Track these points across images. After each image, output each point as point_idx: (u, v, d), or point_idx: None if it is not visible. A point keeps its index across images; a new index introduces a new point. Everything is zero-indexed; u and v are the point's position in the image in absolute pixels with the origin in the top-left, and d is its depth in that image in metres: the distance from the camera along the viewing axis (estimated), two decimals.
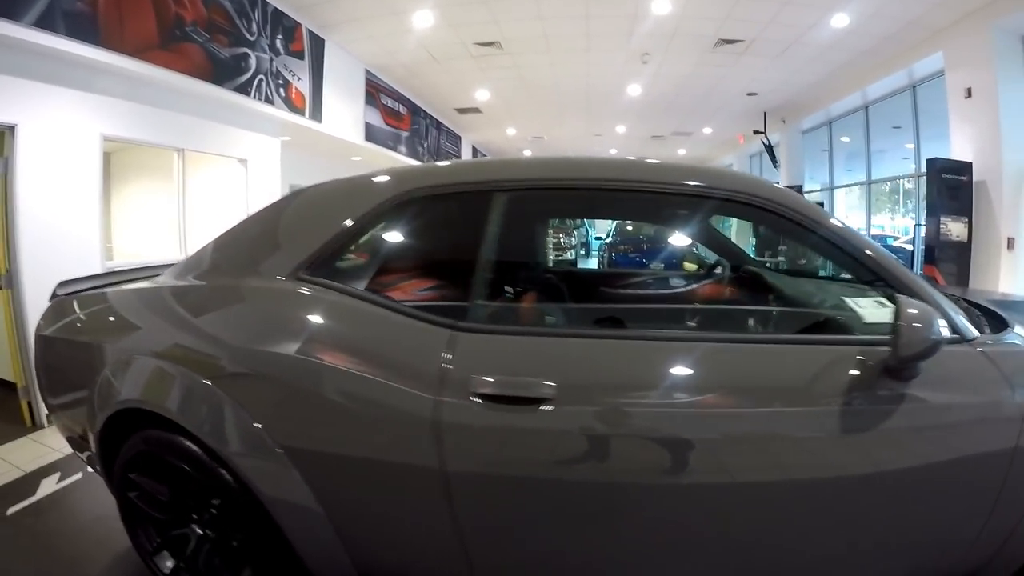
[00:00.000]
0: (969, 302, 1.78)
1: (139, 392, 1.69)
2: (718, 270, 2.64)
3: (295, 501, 1.49)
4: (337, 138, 7.61)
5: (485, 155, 18.21)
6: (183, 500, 1.70)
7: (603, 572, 1.50)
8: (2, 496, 2.88)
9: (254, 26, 5.66)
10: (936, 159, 6.71)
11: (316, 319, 1.59)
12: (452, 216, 1.87)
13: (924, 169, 7.68)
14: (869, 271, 1.46)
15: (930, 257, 6.79)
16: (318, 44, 6.98)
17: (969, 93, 6.64)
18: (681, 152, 18.33)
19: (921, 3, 6.40)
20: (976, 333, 1.40)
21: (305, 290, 1.61)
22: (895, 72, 8.30)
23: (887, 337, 1.25)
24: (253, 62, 5.66)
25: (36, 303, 3.73)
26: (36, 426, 3.83)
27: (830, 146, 11.84)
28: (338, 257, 1.71)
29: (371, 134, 8.57)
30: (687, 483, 1.33)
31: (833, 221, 1.51)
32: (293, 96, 6.44)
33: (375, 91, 8.71)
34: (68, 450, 3.37)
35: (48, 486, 3.00)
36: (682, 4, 6.77)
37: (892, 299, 1.32)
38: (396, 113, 9.56)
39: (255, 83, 5.70)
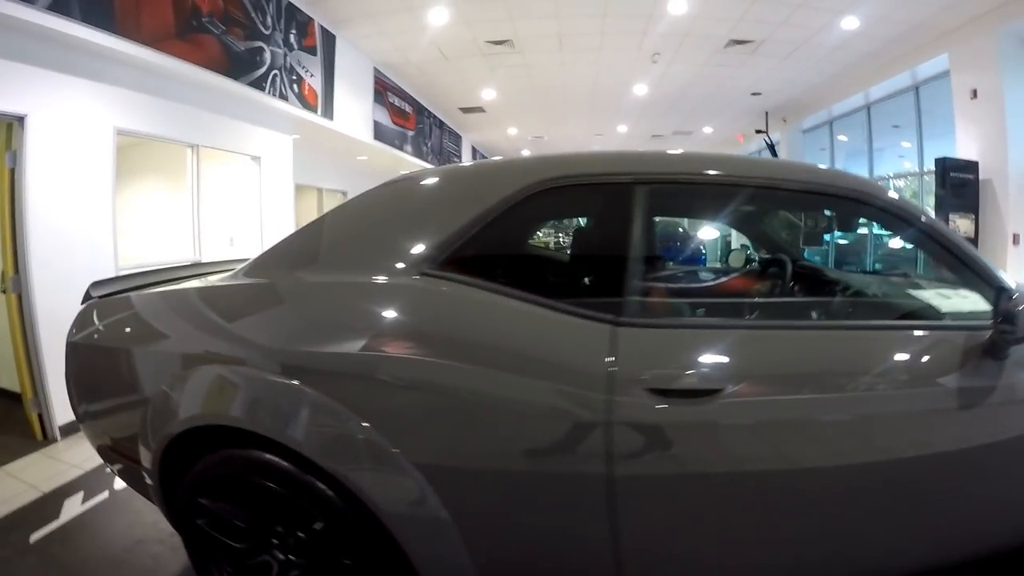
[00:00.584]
0: None
1: (222, 407, 1.50)
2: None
3: (424, 516, 1.35)
4: (348, 136, 7.44)
5: (485, 156, 18.04)
6: (267, 525, 1.50)
7: (758, 559, 1.44)
8: (22, 521, 2.58)
9: (268, 19, 5.47)
10: (945, 158, 6.83)
11: (456, 317, 1.44)
12: (592, 207, 1.82)
13: (927, 167, 8.07)
14: (963, 264, 1.54)
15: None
16: (329, 40, 6.82)
17: (975, 94, 6.79)
18: (678, 151, 18.22)
19: (929, 6, 6.47)
20: None
21: (438, 286, 1.46)
22: (899, 73, 8.40)
23: (987, 322, 1.40)
24: (268, 56, 5.47)
25: (47, 308, 3.50)
26: (48, 440, 3.58)
27: (831, 145, 11.91)
28: (470, 248, 1.53)
29: (379, 133, 8.41)
30: (847, 464, 1.37)
31: (934, 219, 1.61)
32: (306, 93, 6.26)
33: (383, 89, 8.57)
34: (88, 466, 3.16)
35: (72, 508, 2.72)
36: (699, 4, 6.76)
37: (998, 289, 1.40)
38: (403, 112, 9.38)
39: (270, 78, 5.53)
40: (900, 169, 10.95)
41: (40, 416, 3.59)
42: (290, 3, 5.83)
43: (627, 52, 8.35)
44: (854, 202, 1.61)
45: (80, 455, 3.34)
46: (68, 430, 3.63)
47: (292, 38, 5.89)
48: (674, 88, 10.27)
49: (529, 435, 1.34)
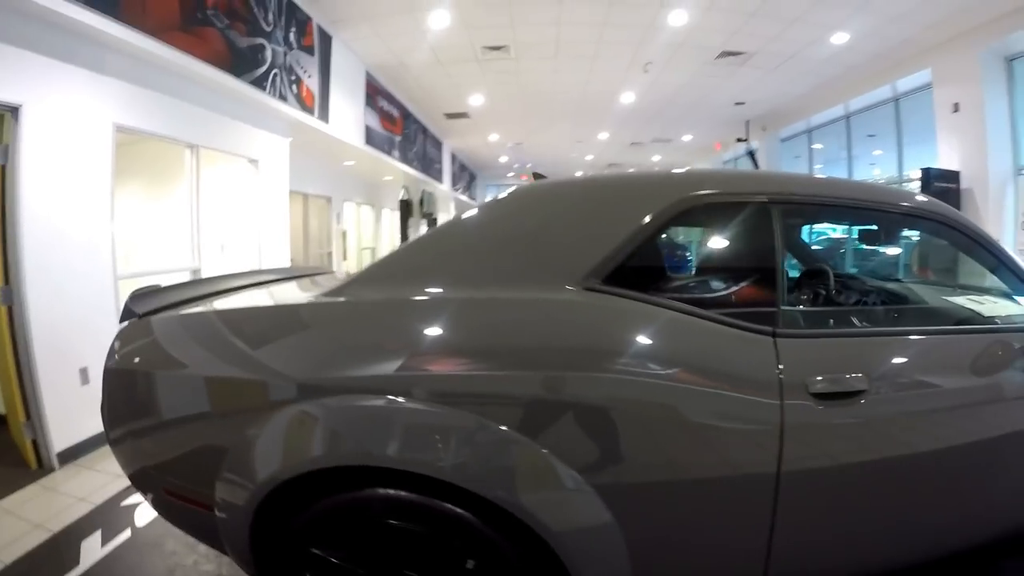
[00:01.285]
0: None
1: (368, 444, 1.33)
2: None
3: (595, 534, 1.31)
4: (341, 140, 7.12)
5: (464, 162, 17.83)
6: (396, 570, 1.37)
7: (889, 548, 1.55)
8: (37, 569, 2.27)
9: (270, 16, 5.23)
10: (929, 169, 7.16)
11: (632, 332, 1.41)
12: (733, 223, 1.77)
13: (906, 174, 8.70)
14: (1016, 276, 1.80)
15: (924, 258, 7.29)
16: (326, 41, 6.59)
17: (956, 108, 7.14)
18: (656, 159, 18.59)
19: (915, 24, 6.75)
20: None
21: (608, 301, 1.43)
22: (881, 86, 8.74)
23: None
24: (269, 55, 5.20)
25: (43, 321, 3.13)
26: (45, 469, 3.21)
27: (809, 153, 12.27)
28: (631, 263, 1.50)
29: (370, 137, 8.18)
30: (958, 445, 1.54)
31: (997, 240, 1.83)
32: (304, 94, 6.00)
33: (374, 93, 8.36)
34: (97, 499, 2.83)
35: (92, 550, 2.37)
36: (698, 16, 6.83)
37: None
38: (391, 117, 9.14)
39: (270, 77, 5.27)
40: (869, 176, 11.29)
41: (35, 442, 3.21)
42: (291, 1, 5.56)
43: (620, 61, 8.39)
44: (939, 223, 1.78)
45: (84, 486, 3.01)
46: (67, 456, 3.29)
47: (292, 36, 5.64)
48: (661, 96, 10.38)
49: (708, 443, 1.35)
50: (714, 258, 1.98)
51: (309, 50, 6.13)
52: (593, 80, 9.32)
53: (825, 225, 9.44)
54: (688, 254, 10.02)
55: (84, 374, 3.48)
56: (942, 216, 1.76)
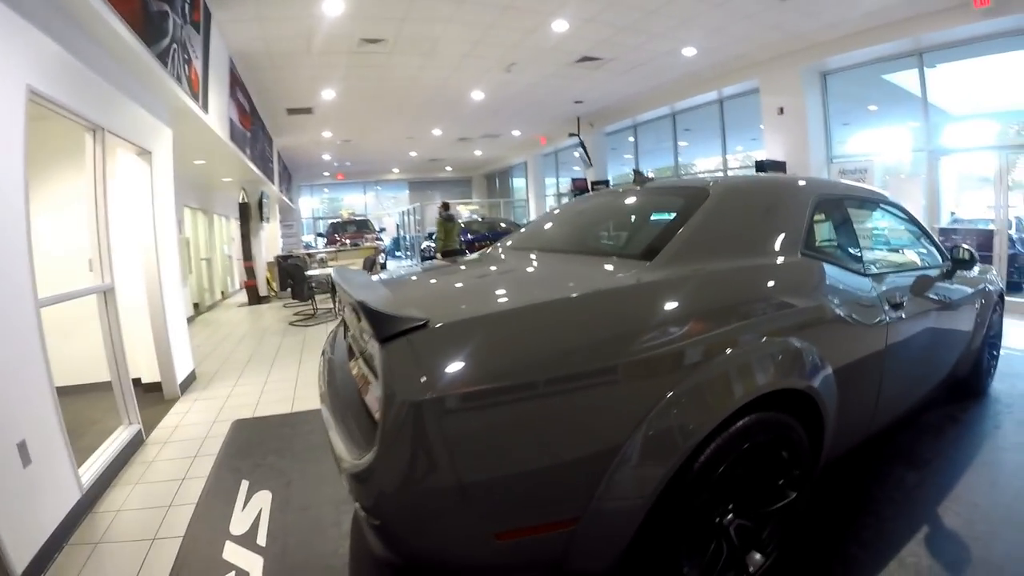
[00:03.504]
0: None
1: (775, 376, 1.72)
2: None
3: (835, 401, 1.98)
4: (214, 134, 6.14)
5: (286, 163, 16.44)
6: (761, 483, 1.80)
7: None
8: None
9: None
10: (764, 161, 8.59)
11: (829, 279, 2.15)
12: (835, 212, 2.57)
13: (731, 165, 10.60)
14: (931, 240, 3.21)
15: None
16: (208, 18, 5.65)
17: (782, 111, 8.90)
18: (477, 153, 19.17)
19: (751, 43, 8.24)
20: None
21: (813, 262, 2.14)
22: (710, 91, 10.35)
23: (949, 265, 3.07)
24: (171, 25, 4.36)
25: None
26: None
27: (635, 147, 13.88)
28: (808, 239, 2.20)
29: (233, 132, 7.13)
30: (927, 328, 2.72)
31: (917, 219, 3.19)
32: (192, 77, 5.07)
33: (234, 83, 7.28)
34: None
35: None
36: (577, 26, 7.36)
37: (946, 249, 3.19)
38: (244, 110, 8.09)
39: (171, 53, 4.37)
40: (688, 165, 13.25)
41: None
42: None
43: (489, 60, 8.65)
44: (894, 207, 3.08)
45: None
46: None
47: (185, 7, 4.74)
48: (509, 94, 10.85)
49: (862, 334, 2.18)
50: (827, 233, 2.64)
51: (196, 27, 5.18)
52: (454, 77, 9.43)
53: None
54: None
55: (23, 452, 2.38)
56: (893, 203, 3.08)
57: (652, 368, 1.48)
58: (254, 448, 3.42)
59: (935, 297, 2.83)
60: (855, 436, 2.30)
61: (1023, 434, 3.14)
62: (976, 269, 3.33)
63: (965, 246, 3.10)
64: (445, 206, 10.96)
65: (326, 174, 22.52)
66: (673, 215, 2.16)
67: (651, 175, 2.85)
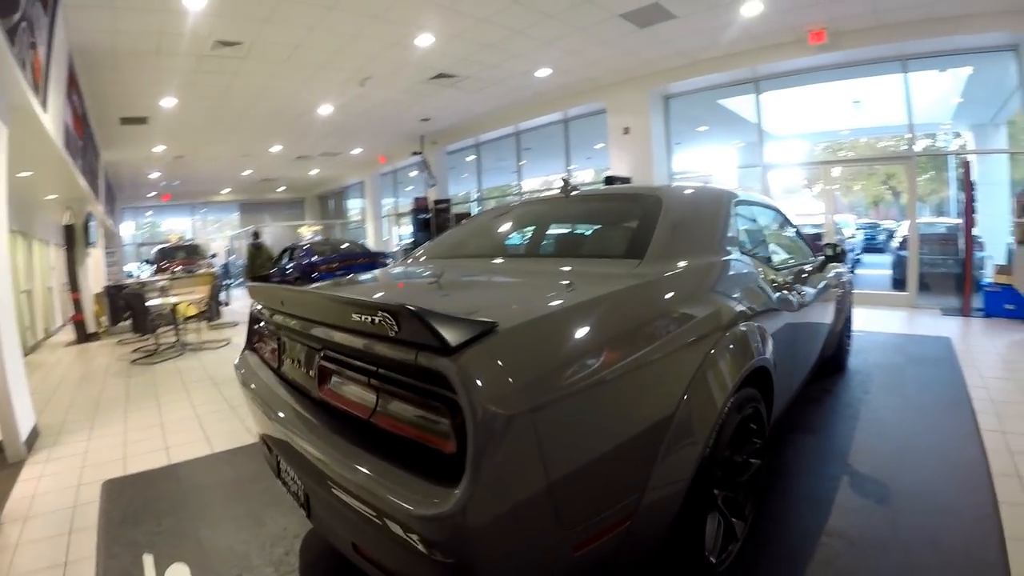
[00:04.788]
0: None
1: (762, 353, 2.06)
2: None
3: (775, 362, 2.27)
4: (52, 140, 5.13)
5: (111, 180, 14.36)
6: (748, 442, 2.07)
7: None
8: None
9: None
10: (612, 176, 9.51)
11: (753, 270, 2.43)
12: (745, 215, 2.84)
13: (571, 181, 10.86)
14: (806, 242, 3.73)
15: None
16: (54, 1, 4.70)
17: (627, 131, 9.70)
18: (314, 172, 18.23)
19: (599, 67, 8.90)
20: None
21: (741, 259, 2.39)
22: (556, 112, 10.91)
23: (822, 259, 3.68)
24: None
25: None
26: None
27: (478, 165, 14.12)
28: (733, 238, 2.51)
29: (68, 140, 6.01)
30: (820, 315, 3.32)
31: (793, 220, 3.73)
32: (35, 65, 4.16)
33: (71, 83, 6.16)
34: None
35: None
36: (443, 41, 7.42)
37: (821, 247, 3.79)
38: (78, 116, 6.89)
39: (18, 32, 3.56)
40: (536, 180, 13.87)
41: None
42: None
43: (343, 73, 8.35)
44: (775, 210, 3.50)
45: None
46: None
47: None
48: (358, 110, 10.53)
49: (784, 316, 2.53)
50: (739, 230, 2.86)
51: (44, 8, 4.30)
52: (305, 89, 8.95)
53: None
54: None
55: None
56: (775, 205, 3.52)
57: (685, 344, 1.71)
58: (142, 512, 2.85)
59: (817, 286, 3.32)
60: (780, 407, 2.61)
61: (889, 396, 3.91)
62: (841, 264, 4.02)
63: (835, 243, 3.62)
64: (255, 235, 11.14)
65: (151, 195, 19.97)
66: (636, 221, 2.38)
67: (576, 186, 3.01)
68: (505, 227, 3.09)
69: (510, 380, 1.24)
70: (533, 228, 3.01)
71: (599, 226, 2.90)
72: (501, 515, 1.20)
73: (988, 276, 7.51)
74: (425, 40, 7.25)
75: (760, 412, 2.09)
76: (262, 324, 2.35)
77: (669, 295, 1.87)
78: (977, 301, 6.94)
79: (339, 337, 1.56)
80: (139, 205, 21.78)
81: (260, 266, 10.49)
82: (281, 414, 1.79)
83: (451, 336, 1.21)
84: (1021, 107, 7.16)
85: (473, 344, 1.24)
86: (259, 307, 2.27)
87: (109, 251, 12.66)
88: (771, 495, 2.57)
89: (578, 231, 3.03)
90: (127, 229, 22.12)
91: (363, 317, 1.35)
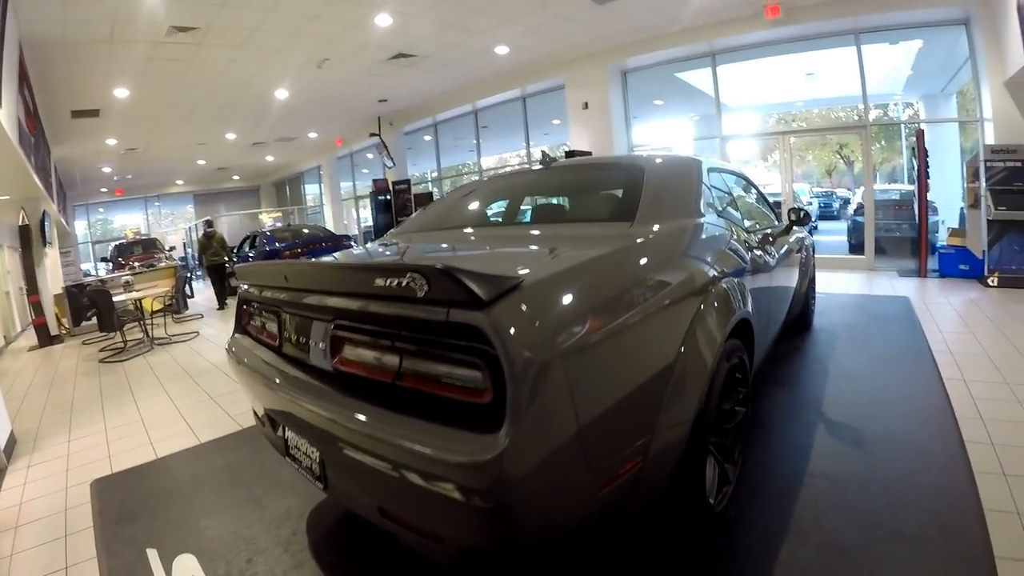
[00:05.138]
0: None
1: (744, 307, 2.19)
2: None
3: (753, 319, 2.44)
4: (7, 136, 4.90)
5: (62, 175, 13.78)
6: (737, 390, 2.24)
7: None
8: None
9: None
10: (572, 151, 9.52)
11: (726, 232, 2.52)
12: (723, 182, 3.04)
13: (535, 156, 11.23)
14: (771, 207, 4.02)
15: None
16: None
17: (586, 105, 9.80)
18: (269, 159, 17.84)
19: (559, 43, 8.95)
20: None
21: (710, 222, 2.45)
22: (514, 89, 10.89)
23: (787, 223, 3.66)
24: None
25: None
26: None
27: (436, 145, 14.02)
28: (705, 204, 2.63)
29: (20, 136, 5.74)
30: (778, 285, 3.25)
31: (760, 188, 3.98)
32: None
33: (23, 77, 5.87)
34: None
35: None
36: (401, 21, 7.35)
37: (787, 211, 3.69)
38: (30, 111, 6.58)
39: None
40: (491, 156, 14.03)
41: None
42: None
43: (301, 56, 8.21)
44: (743, 177, 3.70)
45: None
46: None
47: None
48: (315, 93, 10.37)
49: (759, 276, 2.69)
50: (713, 195, 2.93)
51: None
52: (261, 74, 8.76)
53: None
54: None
55: None
56: (741, 173, 3.67)
57: (679, 297, 1.84)
58: (137, 508, 2.80)
59: (785, 247, 3.51)
60: (759, 359, 2.75)
61: (855, 351, 4.19)
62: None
63: (799, 206, 3.77)
64: (208, 224, 11.04)
65: (103, 190, 19.17)
66: (620, 188, 2.57)
67: (555, 157, 3.16)
68: (495, 198, 3.23)
69: (541, 330, 1.32)
70: (521, 198, 3.15)
71: (586, 193, 2.99)
72: (540, 457, 1.27)
73: (942, 239, 7.88)
74: (384, 20, 7.18)
75: (744, 362, 2.24)
76: (255, 304, 2.31)
77: (663, 253, 2.01)
78: (932, 263, 7.30)
79: (357, 304, 1.56)
80: (91, 202, 20.96)
81: (213, 255, 10.35)
82: (292, 389, 1.78)
83: (483, 291, 1.25)
84: (971, 78, 7.45)
85: (504, 298, 1.30)
86: (251, 287, 2.25)
87: (64, 250, 12.22)
88: (755, 443, 2.76)
89: (566, 198, 3.14)
90: (80, 227, 21.31)
91: (389, 281, 1.37)
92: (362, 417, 1.47)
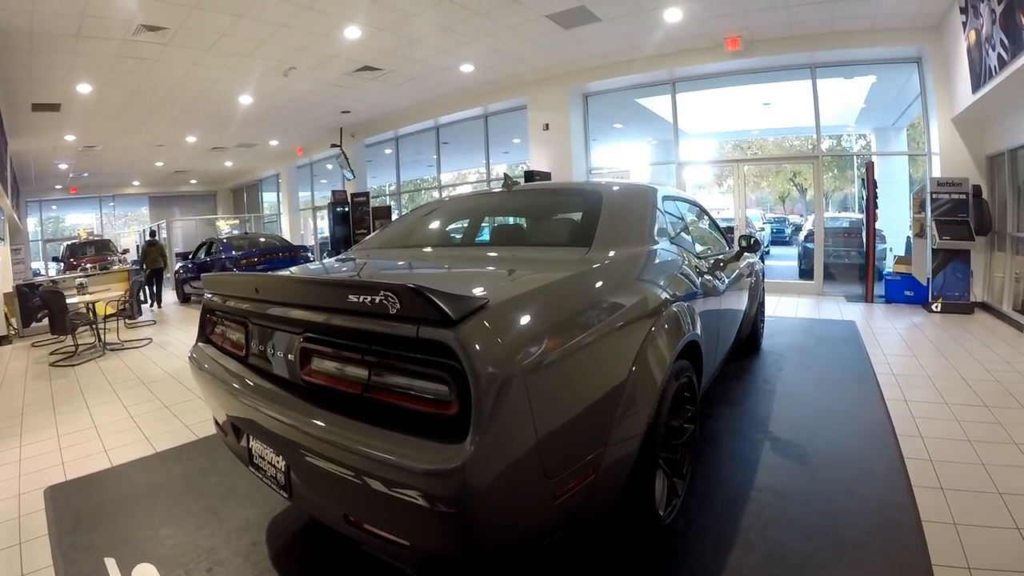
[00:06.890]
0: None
1: (693, 329, 2.30)
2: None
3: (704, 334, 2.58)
4: None
5: (15, 170, 13.24)
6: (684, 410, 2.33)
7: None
8: None
9: None
10: (531, 171, 9.60)
11: (675, 258, 2.60)
12: (671, 208, 3.07)
13: (495, 173, 11.61)
14: (722, 234, 4.15)
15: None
16: None
17: (547, 127, 9.98)
18: (228, 164, 17.50)
19: (522, 65, 9.12)
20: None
21: (666, 248, 2.58)
22: (477, 107, 11.01)
23: (738, 250, 3.87)
24: None
25: None
26: None
27: (396, 158, 14.05)
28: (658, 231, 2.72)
29: None
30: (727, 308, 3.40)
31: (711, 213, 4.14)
32: None
33: None
34: None
35: None
36: (370, 34, 7.41)
37: (742, 243, 3.85)
38: None
39: None
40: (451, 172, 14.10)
41: None
42: None
43: (267, 63, 8.16)
44: (695, 205, 3.85)
45: None
46: None
47: None
48: (279, 101, 10.33)
49: (709, 300, 2.83)
50: (667, 222, 2.93)
51: None
52: (226, 78, 8.67)
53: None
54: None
55: None
56: (695, 200, 3.87)
57: (632, 319, 1.95)
58: (94, 516, 2.73)
59: (735, 272, 3.68)
60: (707, 379, 2.88)
61: (801, 372, 4.41)
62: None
63: (750, 233, 4.00)
64: (151, 233, 12.90)
65: (58, 187, 18.49)
66: (578, 213, 2.68)
67: (517, 180, 3.29)
68: (457, 218, 3.31)
69: (505, 347, 1.41)
70: (483, 219, 3.27)
71: (545, 218, 3.11)
72: (502, 466, 1.36)
73: (889, 266, 8.29)
74: (353, 32, 7.22)
75: (693, 381, 2.35)
76: (220, 314, 2.30)
77: (617, 278, 2.11)
78: (879, 289, 7.67)
79: (327, 319, 1.61)
80: (44, 199, 20.21)
81: (153, 261, 11.53)
82: (259, 399, 1.80)
83: (452, 310, 1.34)
84: (921, 113, 7.90)
85: (471, 317, 1.38)
86: (216, 297, 2.25)
87: (15, 248, 11.77)
88: (705, 458, 2.88)
89: (526, 222, 3.22)
90: (30, 224, 20.54)
91: (361, 298, 1.44)
92: (331, 427, 1.51)
